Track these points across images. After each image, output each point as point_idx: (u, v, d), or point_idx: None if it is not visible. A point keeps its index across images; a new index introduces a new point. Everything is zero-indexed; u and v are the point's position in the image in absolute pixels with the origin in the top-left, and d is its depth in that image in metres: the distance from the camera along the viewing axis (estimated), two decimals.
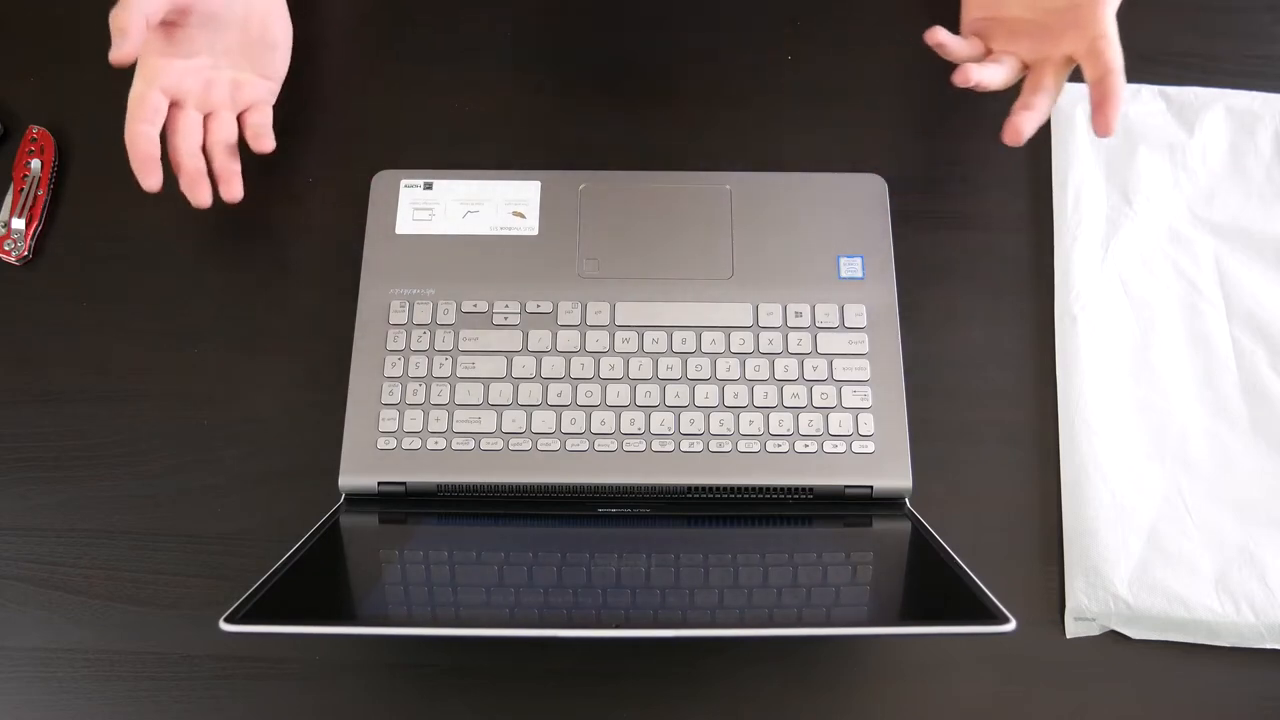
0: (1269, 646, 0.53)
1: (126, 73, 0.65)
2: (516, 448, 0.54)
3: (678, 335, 0.56)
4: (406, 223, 0.59)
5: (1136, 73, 0.64)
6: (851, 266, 0.58)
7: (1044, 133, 0.64)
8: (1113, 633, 0.54)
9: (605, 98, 0.65)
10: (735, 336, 0.56)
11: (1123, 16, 0.58)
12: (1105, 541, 0.54)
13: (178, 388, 0.59)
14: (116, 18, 0.52)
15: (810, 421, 0.55)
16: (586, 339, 0.56)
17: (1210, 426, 0.57)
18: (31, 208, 0.61)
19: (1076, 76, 0.61)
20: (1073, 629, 0.54)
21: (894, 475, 0.54)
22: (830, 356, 0.56)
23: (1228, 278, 0.60)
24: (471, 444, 0.54)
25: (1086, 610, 0.54)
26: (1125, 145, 0.62)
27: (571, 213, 0.59)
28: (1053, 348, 0.59)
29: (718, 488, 0.54)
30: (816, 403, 0.55)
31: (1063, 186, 0.62)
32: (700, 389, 0.55)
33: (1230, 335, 0.59)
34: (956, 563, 0.45)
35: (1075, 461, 0.56)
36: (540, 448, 0.54)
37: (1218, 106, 0.63)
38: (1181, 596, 0.53)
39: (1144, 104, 0.63)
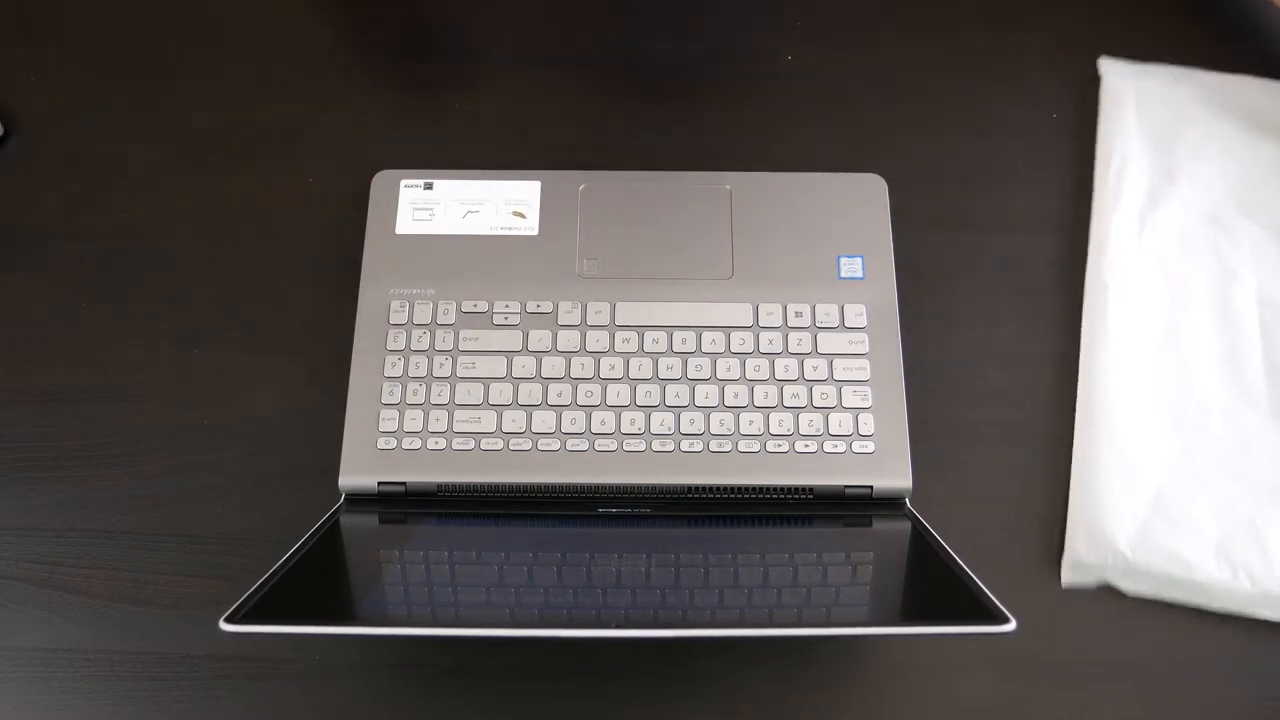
0: (1263, 615, 0.53)
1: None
2: (516, 448, 0.54)
3: (678, 335, 0.56)
4: (406, 223, 0.59)
5: (1193, 58, 0.65)
6: (851, 266, 0.58)
7: (1042, 132, 0.64)
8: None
9: (605, 98, 0.65)
10: (735, 336, 0.56)
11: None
12: (1111, 498, 0.55)
13: (178, 388, 0.59)
14: None
15: (810, 421, 0.55)
16: (586, 339, 0.56)
17: (1230, 405, 0.57)
18: None
19: (1132, 54, 0.63)
20: (1069, 577, 0.54)
21: (894, 475, 0.54)
22: (830, 356, 0.56)
23: (1263, 265, 0.60)
24: (471, 444, 0.54)
25: (1084, 559, 0.54)
26: (1174, 126, 0.63)
27: (571, 213, 0.59)
28: (1053, 347, 0.59)
29: (718, 488, 0.54)
30: (816, 403, 0.55)
31: (1106, 156, 0.62)
32: (700, 389, 0.55)
33: (1259, 320, 0.59)
34: (956, 563, 0.45)
35: (1089, 418, 0.57)
36: (540, 448, 0.54)
37: (1270, 96, 0.63)
38: (1181, 557, 0.53)
39: (1196, 87, 0.64)
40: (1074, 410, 0.58)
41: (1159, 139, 0.63)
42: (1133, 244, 0.60)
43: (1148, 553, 0.54)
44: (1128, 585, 0.54)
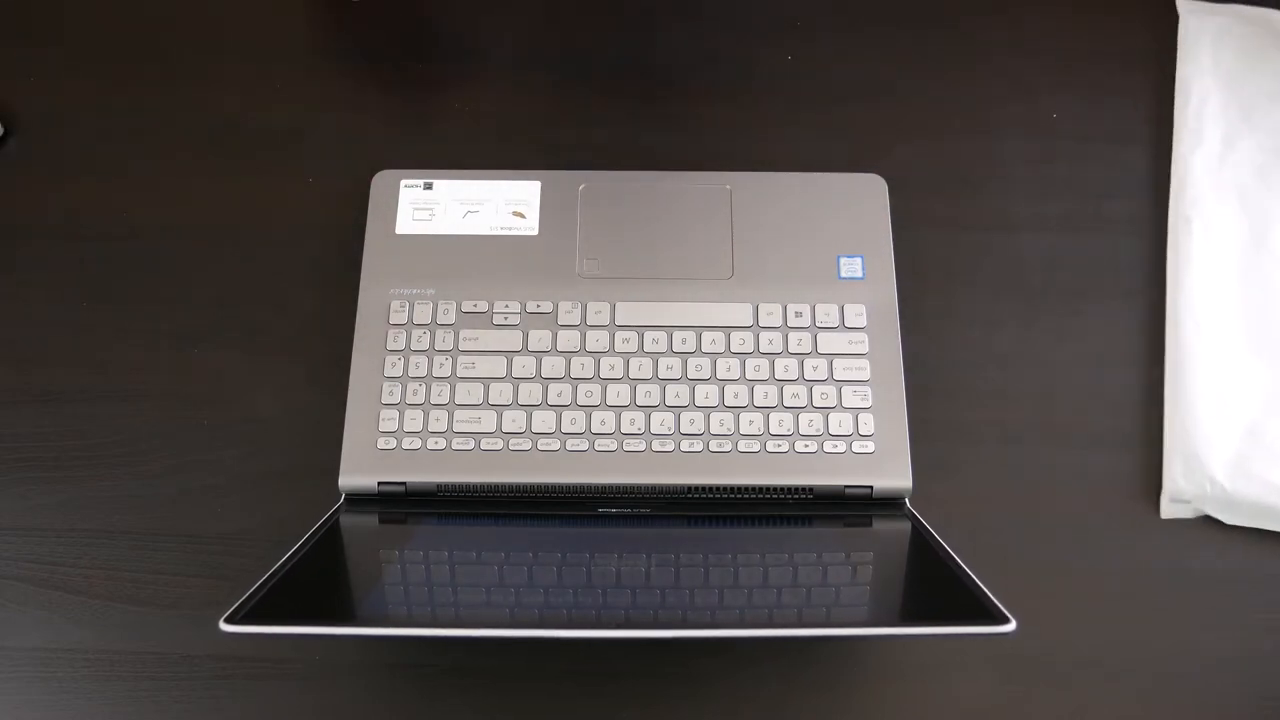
0: None
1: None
2: (516, 448, 0.54)
3: (678, 335, 0.56)
4: (406, 223, 0.59)
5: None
6: (851, 266, 0.58)
7: (1043, 131, 0.64)
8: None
9: (605, 98, 0.65)
10: (735, 336, 0.56)
11: None
12: (1204, 429, 0.55)
13: (178, 388, 0.59)
14: None
15: (810, 421, 0.55)
16: (586, 339, 0.56)
17: None
18: None
19: None
20: (1168, 510, 0.55)
21: (894, 475, 0.54)
22: (830, 356, 0.56)
23: None
24: (471, 444, 0.54)
25: (1183, 492, 0.55)
26: (1250, 66, 0.64)
27: (571, 213, 0.59)
28: (1054, 345, 0.59)
29: (718, 488, 0.54)
30: (816, 403, 0.55)
31: (1185, 96, 0.63)
32: (700, 389, 0.55)
33: None
34: (956, 563, 0.45)
35: (1177, 353, 0.57)
36: (540, 448, 0.54)
37: None
38: (1278, 486, 0.54)
39: (1270, 29, 0.65)
40: (1074, 408, 0.58)
41: (1235, 78, 0.64)
42: (1214, 181, 0.61)
43: (1245, 482, 0.54)
44: (1226, 516, 0.54)
